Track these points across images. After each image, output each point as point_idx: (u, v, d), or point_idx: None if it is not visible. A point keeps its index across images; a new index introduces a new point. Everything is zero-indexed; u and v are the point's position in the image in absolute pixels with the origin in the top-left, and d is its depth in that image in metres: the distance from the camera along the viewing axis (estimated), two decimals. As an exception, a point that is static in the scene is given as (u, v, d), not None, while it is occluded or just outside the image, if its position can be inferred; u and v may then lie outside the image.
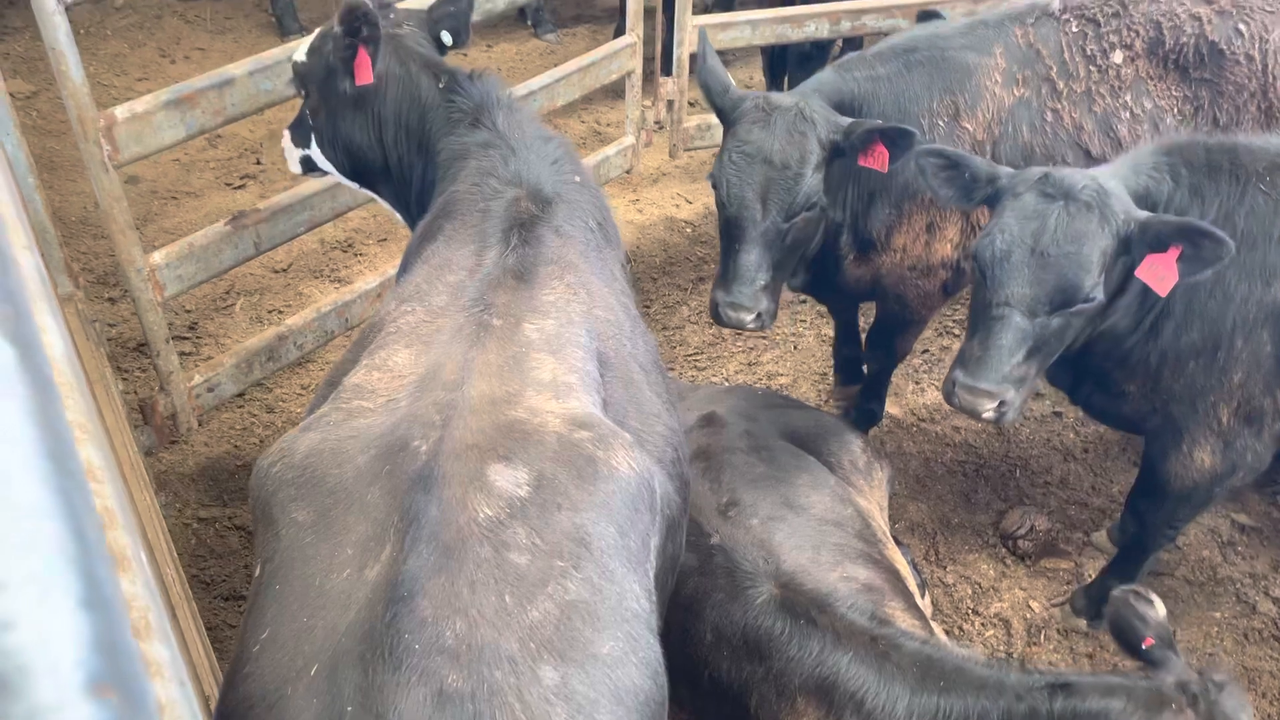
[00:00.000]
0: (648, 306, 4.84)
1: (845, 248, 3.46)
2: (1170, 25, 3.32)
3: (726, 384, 4.38)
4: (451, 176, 2.58)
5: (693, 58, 4.88)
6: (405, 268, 2.45)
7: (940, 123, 3.26)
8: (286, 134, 3.13)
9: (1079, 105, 3.32)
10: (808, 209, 3.09)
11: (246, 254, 3.72)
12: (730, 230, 3.13)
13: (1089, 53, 3.33)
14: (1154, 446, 3.01)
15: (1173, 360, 2.78)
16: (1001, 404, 2.63)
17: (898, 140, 2.99)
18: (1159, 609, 2.26)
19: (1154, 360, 2.81)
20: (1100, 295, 2.57)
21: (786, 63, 5.49)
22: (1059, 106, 3.31)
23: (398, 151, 2.92)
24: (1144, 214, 2.55)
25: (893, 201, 3.35)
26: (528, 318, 2.00)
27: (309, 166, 3.12)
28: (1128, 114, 3.32)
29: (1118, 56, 3.31)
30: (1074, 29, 3.35)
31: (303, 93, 3.02)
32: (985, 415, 2.65)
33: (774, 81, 5.60)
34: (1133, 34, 3.33)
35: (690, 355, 4.58)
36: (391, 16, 2.96)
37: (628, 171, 5.19)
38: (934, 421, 4.25)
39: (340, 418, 1.76)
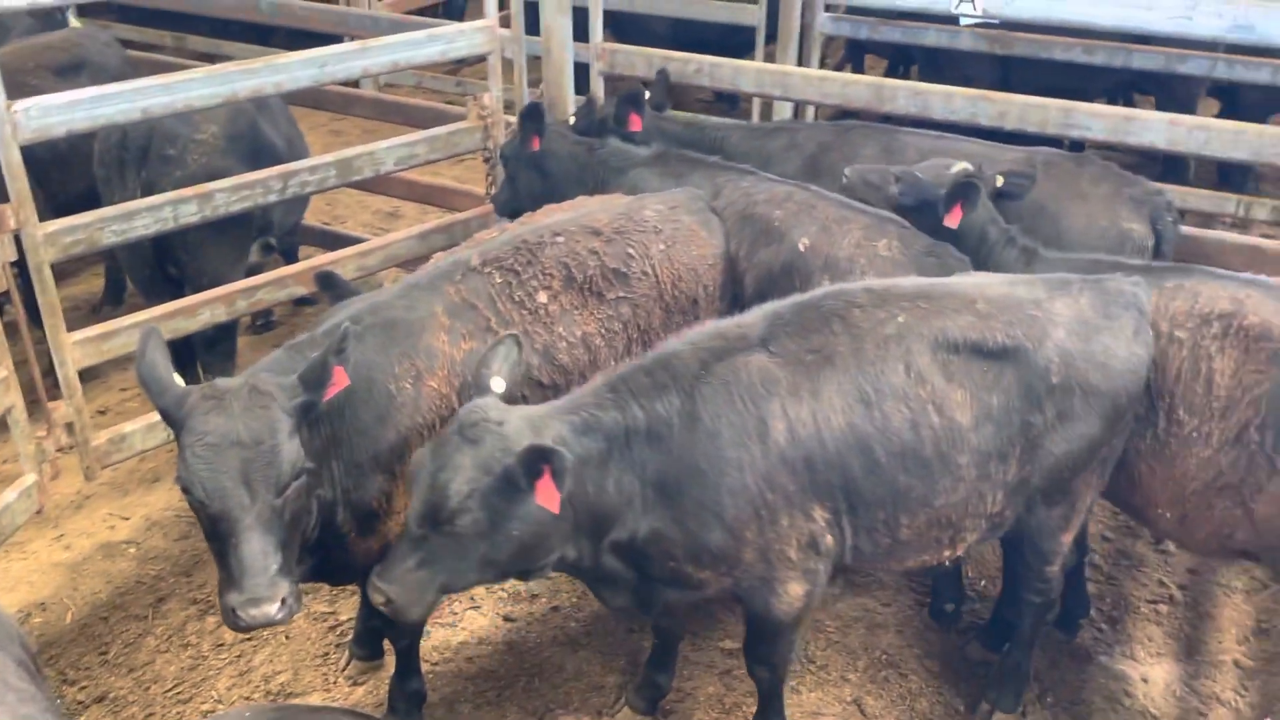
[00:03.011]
0: (104, 652, 4.25)
1: (345, 525, 3.37)
2: (576, 263, 3.81)
3: (219, 709, 3.96)
4: None
5: (88, 370, 4.51)
6: None
7: (407, 385, 3.37)
8: None
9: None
10: (296, 478, 3.00)
11: None
12: (220, 527, 2.92)
13: (517, 299, 3.69)
14: (755, 602, 3.30)
15: (733, 540, 3.11)
16: (389, 600, 2.87)
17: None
18: None
19: (717, 543, 3.12)
20: (474, 518, 2.83)
21: (193, 352, 5.30)
22: None
23: None
24: (523, 445, 2.82)
25: (383, 466, 3.35)
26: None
27: None
28: (564, 343, 3.73)
29: (543, 297, 3.72)
30: (498, 280, 3.68)
31: None
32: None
33: (185, 373, 5.35)
34: (549, 276, 3.75)
35: (169, 690, 4.07)
36: None
37: (39, 512, 4.56)
38: (447, 660, 4.20)
39: None
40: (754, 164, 4.81)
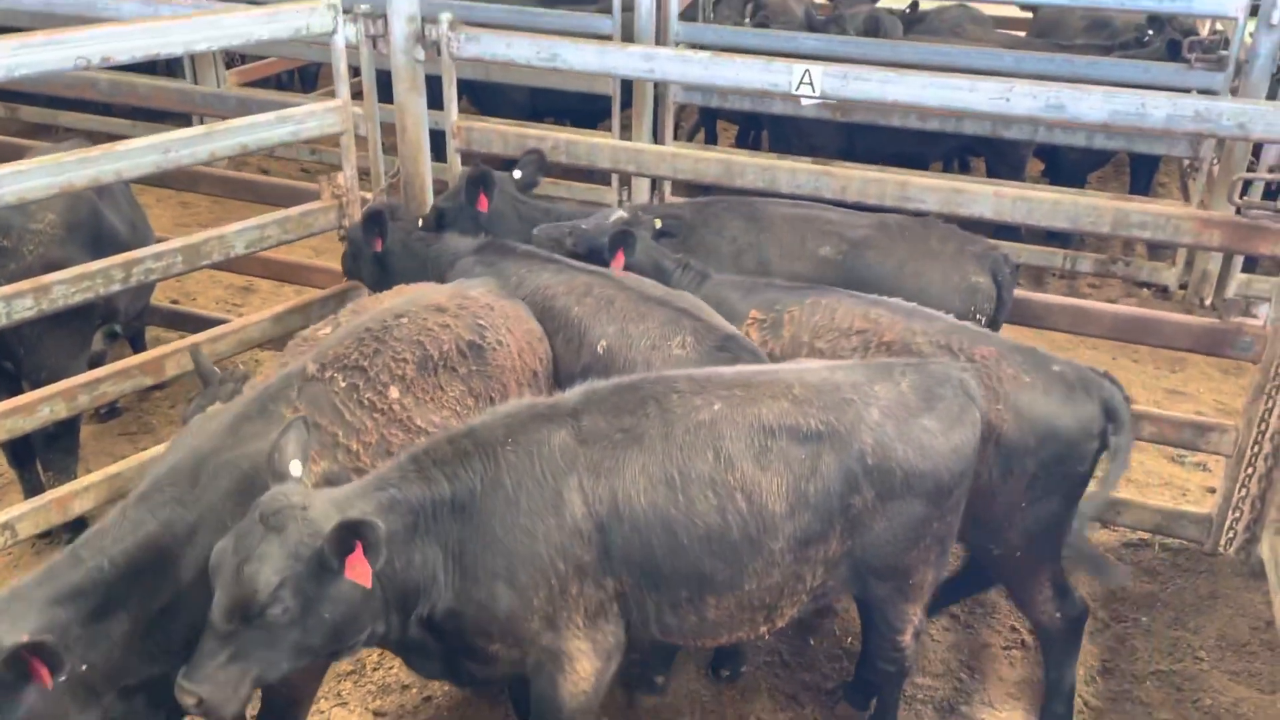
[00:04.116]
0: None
1: None
2: (430, 339, 3.71)
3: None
4: None
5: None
6: None
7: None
8: None
9: (378, 454, 3.47)
10: None
11: None
12: None
13: (366, 401, 3.51)
14: (540, 681, 3.25)
15: (521, 606, 3.09)
16: (200, 701, 2.80)
17: None
18: None
19: (505, 610, 3.10)
20: (285, 607, 2.80)
21: (32, 450, 5.03)
22: (361, 464, 3.42)
23: None
24: (331, 525, 2.81)
25: None
26: None
27: None
28: (424, 437, 3.51)
29: (394, 392, 3.56)
30: (342, 384, 3.47)
31: None
32: (191, 706, 2.82)
33: (23, 471, 5.08)
34: (401, 363, 3.61)
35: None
36: None
37: None
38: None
39: None
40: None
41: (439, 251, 4.75)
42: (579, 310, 4.16)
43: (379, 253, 4.86)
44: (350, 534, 2.75)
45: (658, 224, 4.77)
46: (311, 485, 3.22)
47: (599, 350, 4.06)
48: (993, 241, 5.11)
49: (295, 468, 3.04)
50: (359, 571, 2.79)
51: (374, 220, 4.82)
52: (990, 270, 4.82)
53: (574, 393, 3.35)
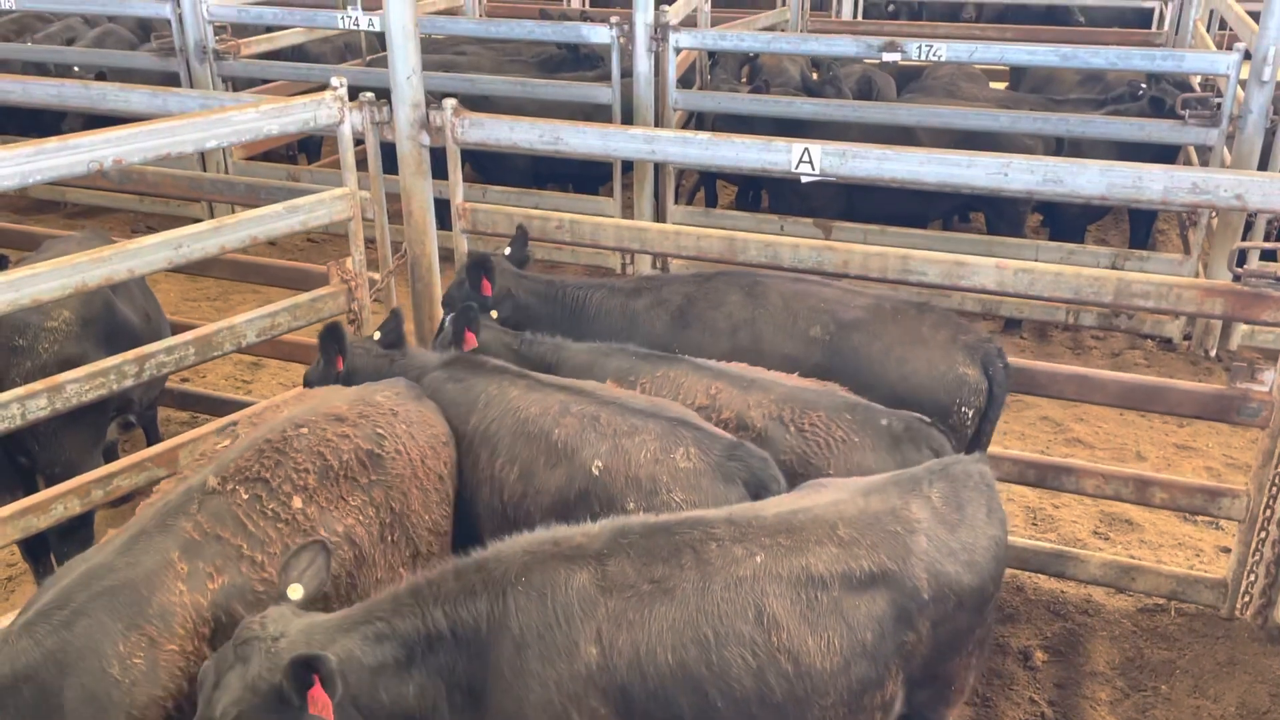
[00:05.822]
0: None
1: None
2: (330, 449, 3.59)
3: None
4: None
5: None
6: None
7: (137, 661, 3.05)
8: None
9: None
10: None
11: None
12: None
13: (270, 512, 3.41)
14: None
15: None
16: None
17: None
18: None
19: None
20: None
21: (47, 543, 5.04)
22: (266, 575, 3.33)
23: None
24: (288, 659, 2.71)
25: None
26: None
27: None
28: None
29: (298, 502, 3.46)
30: (245, 496, 3.39)
31: None
32: None
33: (38, 564, 5.09)
34: (303, 473, 3.51)
35: None
36: None
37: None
38: None
39: None
40: (619, 323, 4.92)
41: (404, 367, 4.50)
42: (560, 432, 3.87)
43: (340, 377, 4.51)
44: (304, 669, 2.66)
45: (494, 315, 4.91)
46: (214, 600, 3.21)
47: (594, 472, 3.76)
48: (988, 334, 4.95)
49: (295, 591, 2.98)
50: (320, 705, 2.71)
51: (333, 335, 4.50)
52: (981, 363, 4.63)
53: (602, 530, 3.16)
